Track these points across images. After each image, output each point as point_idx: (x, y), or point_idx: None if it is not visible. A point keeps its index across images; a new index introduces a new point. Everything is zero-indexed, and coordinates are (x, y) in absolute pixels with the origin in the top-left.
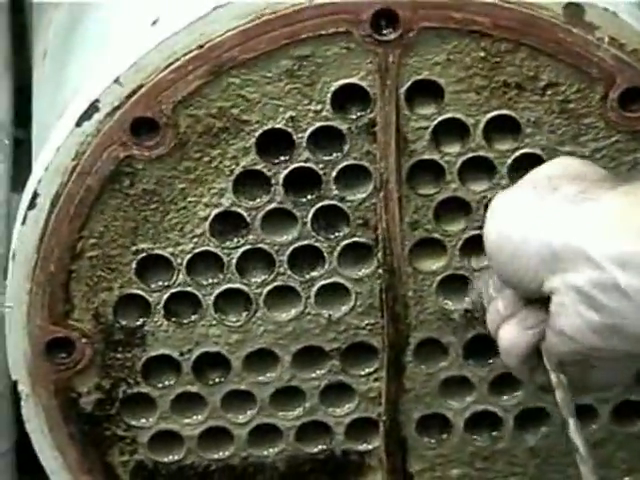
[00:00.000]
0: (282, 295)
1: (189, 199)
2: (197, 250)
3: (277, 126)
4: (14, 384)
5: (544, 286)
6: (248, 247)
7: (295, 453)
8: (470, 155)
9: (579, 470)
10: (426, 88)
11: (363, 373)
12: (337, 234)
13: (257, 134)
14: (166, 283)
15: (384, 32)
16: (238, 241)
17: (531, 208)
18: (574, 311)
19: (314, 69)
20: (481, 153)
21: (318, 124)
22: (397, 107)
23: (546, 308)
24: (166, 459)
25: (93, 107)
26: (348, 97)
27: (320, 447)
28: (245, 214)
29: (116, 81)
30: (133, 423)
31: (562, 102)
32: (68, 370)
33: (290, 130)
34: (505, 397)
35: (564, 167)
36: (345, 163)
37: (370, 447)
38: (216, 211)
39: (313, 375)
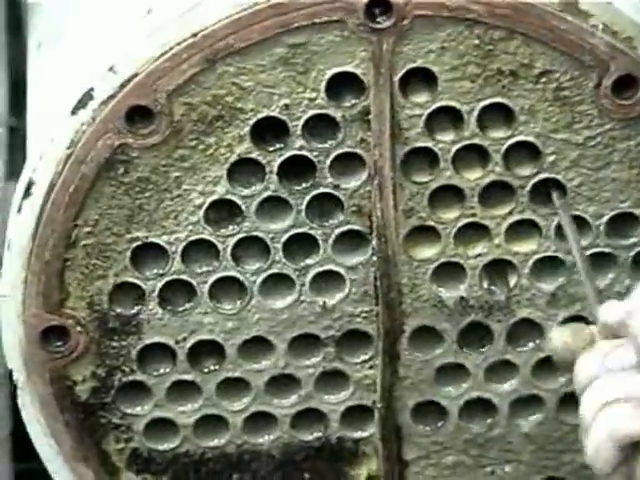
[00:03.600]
0: (277, 283)
1: (184, 187)
2: (192, 238)
3: (272, 114)
4: (10, 372)
5: None
6: (243, 235)
7: (290, 441)
8: (464, 143)
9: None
10: (420, 76)
11: (358, 360)
12: (332, 222)
13: (252, 122)
14: (161, 271)
15: (378, 20)
16: (233, 229)
17: None
18: None
19: (308, 57)
20: (475, 141)
21: (312, 112)
22: (391, 95)
23: None
24: (161, 447)
25: (88, 95)
26: (342, 85)
27: (315, 435)
28: (240, 202)
29: (111, 69)
30: (128, 411)
31: (556, 90)
32: (63, 358)
33: (285, 118)
34: (500, 384)
35: None
36: (339, 151)
37: (365, 434)
38: (211, 199)
39: (308, 363)
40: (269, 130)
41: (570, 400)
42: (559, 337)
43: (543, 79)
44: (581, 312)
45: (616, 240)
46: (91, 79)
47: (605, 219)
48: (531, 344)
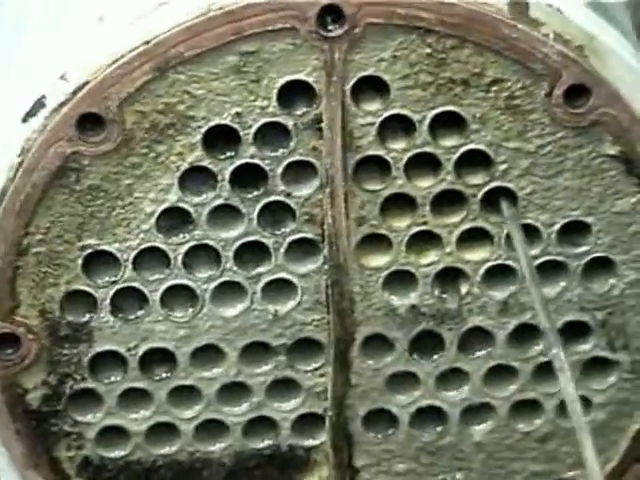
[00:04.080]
0: (228, 291)
1: (135, 195)
2: (143, 246)
3: (223, 122)
4: None
5: None
6: (194, 243)
7: (242, 448)
8: (416, 151)
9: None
10: (372, 84)
11: (309, 368)
12: (283, 230)
13: (203, 130)
14: (112, 279)
15: (330, 28)
16: (184, 237)
17: None
18: None
19: (260, 65)
20: (427, 149)
21: (264, 120)
22: (343, 103)
23: None
24: (113, 454)
25: (39, 103)
26: (294, 93)
27: (267, 442)
28: (191, 210)
29: (62, 77)
30: (80, 419)
31: (507, 98)
32: (14, 366)
33: (236, 126)
34: (451, 392)
35: None
36: (291, 159)
37: (316, 442)
38: (162, 207)
39: (259, 371)
40: (221, 138)
41: (521, 408)
42: None
43: (495, 88)
44: (531, 321)
45: (567, 248)
46: (42, 86)
47: (556, 227)
48: (482, 352)
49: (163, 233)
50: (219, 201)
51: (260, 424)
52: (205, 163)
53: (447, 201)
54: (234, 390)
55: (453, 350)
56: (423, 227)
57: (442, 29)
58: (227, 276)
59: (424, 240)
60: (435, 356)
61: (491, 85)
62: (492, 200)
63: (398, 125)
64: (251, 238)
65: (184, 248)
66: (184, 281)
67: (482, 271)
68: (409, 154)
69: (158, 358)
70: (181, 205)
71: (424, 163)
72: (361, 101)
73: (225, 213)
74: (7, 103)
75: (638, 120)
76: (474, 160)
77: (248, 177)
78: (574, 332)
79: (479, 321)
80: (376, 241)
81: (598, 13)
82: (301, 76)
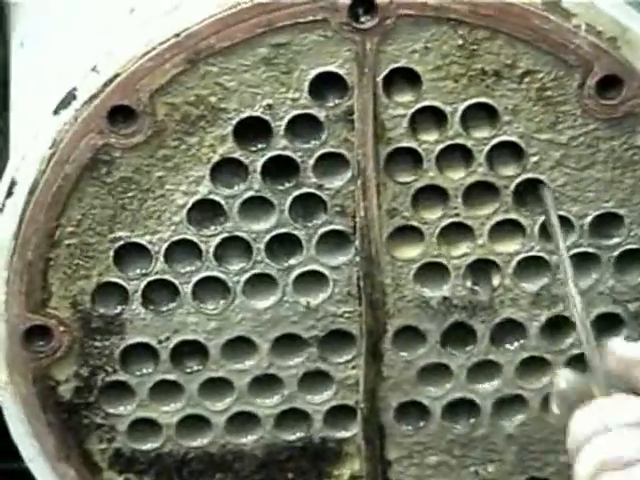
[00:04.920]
0: (260, 283)
1: (167, 187)
2: (175, 238)
3: (255, 114)
4: None
5: None
6: (226, 235)
7: (273, 441)
8: (448, 143)
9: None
10: (404, 76)
11: (341, 360)
12: (315, 222)
13: (234, 122)
14: (144, 271)
15: (361, 20)
16: (216, 229)
17: None
18: None
19: (291, 57)
20: (458, 141)
21: (296, 112)
22: (374, 95)
23: None
24: (144, 447)
25: (70, 95)
26: (326, 85)
27: (298, 435)
28: (223, 202)
29: (93, 69)
30: (111, 411)
31: (539, 90)
32: (46, 358)
33: (268, 118)
34: (483, 384)
35: None
36: (323, 151)
37: (348, 434)
38: (194, 199)
39: (291, 363)
40: (252, 130)
41: None
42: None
43: (527, 79)
44: (564, 312)
45: (599, 240)
46: (74, 79)
47: (589, 219)
48: (515, 344)
49: (194, 225)
50: (250, 193)
51: (292, 416)
52: (236, 155)
53: (479, 193)
54: (266, 382)
55: (485, 342)
56: (455, 219)
57: (474, 20)
58: (259, 268)
59: (456, 232)
60: (467, 348)
61: (523, 76)
62: (525, 192)
63: (430, 117)
64: (282, 230)
65: (216, 240)
66: (216, 273)
67: (514, 263)
68: (441, 146)
69: (189, 350)
70: (212, 197)
71: (456, 155)
72: (393, 93)
73: (256, 205)
74: (39, 95)
75: None
76: (506, 152)
77: (279, 169)
78: (607, 324)
79: (511, 313)
80: (408, 233)
81: (632, 5)
82: (332, 68)
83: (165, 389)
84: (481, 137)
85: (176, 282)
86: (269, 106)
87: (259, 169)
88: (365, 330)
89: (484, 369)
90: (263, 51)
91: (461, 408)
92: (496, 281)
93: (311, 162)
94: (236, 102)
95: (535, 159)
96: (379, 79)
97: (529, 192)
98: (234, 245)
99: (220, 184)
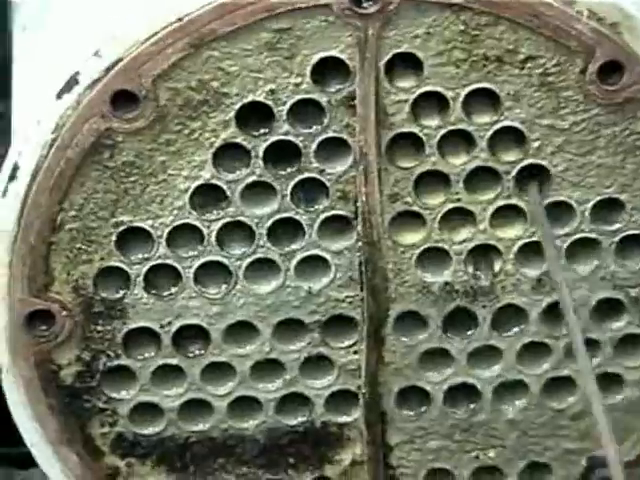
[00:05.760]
0: (262, 268)
1: (169, 172)
2: (177, 223)
3: (257, 99)
4: None
5: None
6: (228, 220)
7: (275, 425)
8: (449, 128)
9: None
10: (406, 61)
11: (343, 345)
12: (317, 207)
13: (237, 107)
14: (146, 255)
15: (364, 5)
16: (218, 214)
17: None
18: None
19: (294, 42)
20: (460, 126)
21: (298, 97)
22: (376, 80)
23: None
24: (146, 431)
25: (73, 80)
26: (328, 70)
27: (300, 419)
28: (225, 187)
29: (96, 54)
30: (113, 395)
31: (541, 75)
32: (48, 342)
33: (270, 103)
34: (484, 369)
35: None
36: (325, 136)
37: (349, 419)
38: (196, 184)
39: (293, 347)
40: (254, 115)
41: (554, 385)
42: None
43: (529, 64)
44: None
45: (601, 226)
46: (76, 63)
47: (590, 205)
48: (515, 329)
49: (197, 210)
50: (253, 178)
51: (293, 401)
52: (239, 140)
53: (481, 178)
54: (267, 367)
55: (486, 327)
56: (457, 204)
57: (476, 6)
58: (260, 253)
59: (457, 217)
60: (468, 333)
61: (525, 62)
62: (526, 177)
63: (432, 102)
64: (284, 215)
65: (218, 225)
66: (218, 258)
67: (515, 248)
68: (443, 131)
69: (191, 335)
70: (215, 182)
71: (458, 140)
72: (395, 78)
73: (259, 190)
74: (41, 80)
75: None
76: (508, 137)
77: (282, 154)
78: (607, 309)
79: (512, 298)
80: (409, 218)
81: None
82: (335, 53)
83: (167, 373)
84: (483, 122)
85: (178, 267)
86: (271, 91)
87: (261, 154)
88: (367, 315)
89: (485, 354)
90: (265, 36)
91: (462, 393)
92: (497, 266)
93: (313, 147)
94: (238, 87)
95: (537, 144)
96: (381, 64)
97: (531, 178)
98: (236, 230)
99: (222, 169)
